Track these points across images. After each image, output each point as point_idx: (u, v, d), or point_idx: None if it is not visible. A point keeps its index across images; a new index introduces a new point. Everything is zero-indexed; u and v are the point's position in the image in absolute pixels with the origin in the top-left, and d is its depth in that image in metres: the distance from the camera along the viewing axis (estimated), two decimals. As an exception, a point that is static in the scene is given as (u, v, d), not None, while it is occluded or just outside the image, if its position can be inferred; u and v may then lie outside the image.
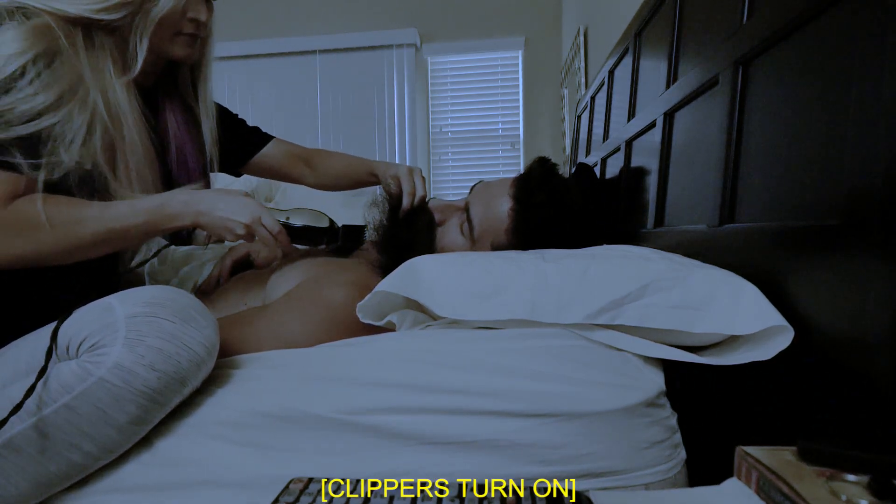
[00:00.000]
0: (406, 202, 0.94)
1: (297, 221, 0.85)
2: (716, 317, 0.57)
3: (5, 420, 0.50)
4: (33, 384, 0.51)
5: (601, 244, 0.88)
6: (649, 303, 0.60)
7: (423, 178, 0.99)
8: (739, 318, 0.55)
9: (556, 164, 0.94)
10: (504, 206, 0.88)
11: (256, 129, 1.13)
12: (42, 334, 0.60)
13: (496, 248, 0.89)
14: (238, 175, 1.13)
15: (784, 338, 0.52)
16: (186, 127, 0.92)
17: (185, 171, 0.91)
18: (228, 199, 0.76)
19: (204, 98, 0.93)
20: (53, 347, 0.54)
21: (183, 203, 0.74)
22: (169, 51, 0.84)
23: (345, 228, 0.91)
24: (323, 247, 0.93)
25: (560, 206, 0.88)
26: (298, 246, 0.91)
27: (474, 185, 0.96)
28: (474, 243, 0.90)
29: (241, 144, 1.08)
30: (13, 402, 0.52)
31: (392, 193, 0.96)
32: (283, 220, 0.84)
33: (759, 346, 0.54)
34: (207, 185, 0.99)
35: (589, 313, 0.60)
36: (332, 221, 0.89)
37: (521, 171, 0.93)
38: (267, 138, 1.13)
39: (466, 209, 0.90)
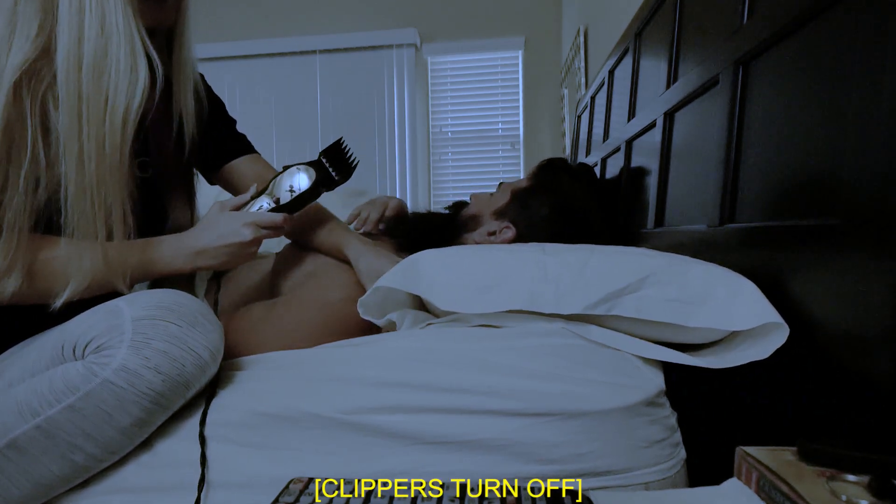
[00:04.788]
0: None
1: (286, 195, 0.80)
2: (712, 311, 0.57)
3: None
4: None
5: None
6: (646, 295, 0.60)
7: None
8: (736, 313, 0.55)
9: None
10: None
11: (244, 136, 1.03)
12: (48, 336, 0.60)
13: (515, 192, 1.00)
14: (212, 183, 1.02)
15: (779, 335, 0.52)
16: (161, 103, 0.80)
17: (159, 152, 0.81)
18: (211, 228, 0.73)
19: (179, 66, 0.80)
20: None
21: (173, 251, 0.71)
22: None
23: (327, 157, 0.84)
24: (324, 190, 0.85)
25: (577, 179, 1.02)
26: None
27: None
28: (496, 191, 1.04)
29: (224, 143, 0.97)
30: (19, 402, 0.53)
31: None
32: (271, 205, 0.79)
33: (757, 344, 0.54)
34: (189, 170, 0.91)
35: (588, 304, 0.60)
36: (312, 165, 0.82)
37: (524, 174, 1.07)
38: (249, 149, 1.01)
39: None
